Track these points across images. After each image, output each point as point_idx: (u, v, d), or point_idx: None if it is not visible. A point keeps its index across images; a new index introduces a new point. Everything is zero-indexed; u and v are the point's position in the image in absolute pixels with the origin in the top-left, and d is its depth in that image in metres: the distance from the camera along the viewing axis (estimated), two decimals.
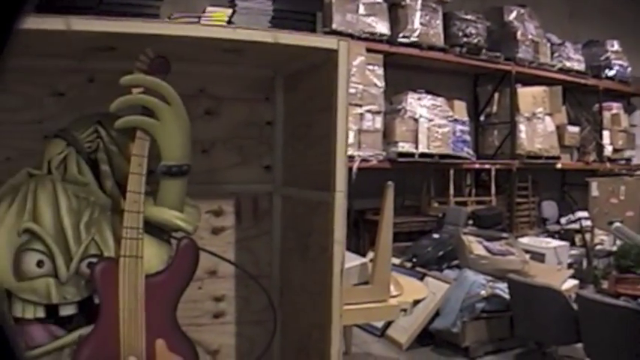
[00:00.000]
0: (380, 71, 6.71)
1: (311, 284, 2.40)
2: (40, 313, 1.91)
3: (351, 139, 5.79)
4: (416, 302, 3.55)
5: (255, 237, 2.82)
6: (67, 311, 1.94)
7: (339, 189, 2.14)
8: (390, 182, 3.21)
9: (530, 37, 8.45)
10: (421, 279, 4.94)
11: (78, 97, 2.56)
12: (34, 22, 1.88)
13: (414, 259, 5.48)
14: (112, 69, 2.36)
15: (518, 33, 8.27)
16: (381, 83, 6.67)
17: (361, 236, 6.62)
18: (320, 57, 2.23)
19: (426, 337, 4.68)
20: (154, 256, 1.97)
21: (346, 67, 2.15)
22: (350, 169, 5.38)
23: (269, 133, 2.80)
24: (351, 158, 5.68)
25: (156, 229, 2.00)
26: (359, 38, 6.47)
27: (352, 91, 5.70)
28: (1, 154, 2.50)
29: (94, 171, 2.11)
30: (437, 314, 4.75)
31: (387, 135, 6.85)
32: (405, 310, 3.40)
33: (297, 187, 2.58)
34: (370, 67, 6.59)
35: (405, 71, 7.43)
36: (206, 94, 2.71)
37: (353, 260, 3.39)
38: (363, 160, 6.19)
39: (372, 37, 6.72)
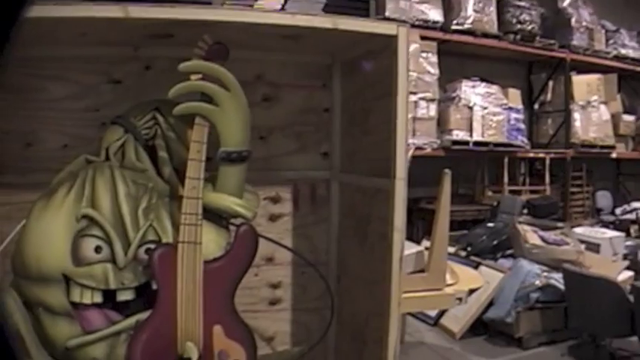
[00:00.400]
0: (434, 59, 6.66)
1: (369, 272, 2.39)
2: (98, 298, 1.93)
3: None
4: (471, 291, 3.51)
5: (313, 224, 2.83)
6: (124, 297, 1.95)
7: (399, 176, 2.12)
8: (447, 170, 3.16)
9: (584, 23, 8.28)
10: (475, 268, 4.89)
11: (134, 85, 2.60)
12: (92, 10, 1.93)
13: (469, 248, 5.44)
14: (168, 56, 2.44)
15: (573, 20, 8.12)
16: (434, 71, 6.63)
17: (415, 224, 6.57)
18: (378, 43, 2.21)
19: (479, 326, 4.63)
20: (212, 242, 1.98)
21: (406, 53, 2.13)
22: None
23: (327, 119, 2.81)
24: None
25: (214, 216, 2.01)
26: (412, 26, 6.39)
27: None
28: (58, 141, 2.57)
29: (151, 157, 2.13)
30: (491, 304, 4.69)
31: (442, 123, 6.81)
32: (460, 299, 3.36)
33: (356, 174, 2.58)
34: (424, 54, 6.55)
35: (458, 59, 7.36)
36: (264, 81, 2.72)
37: (409, 248, 3.34)
38: (418, 148, 6.15)
39: (426, 25, 6.66)
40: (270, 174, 2.73)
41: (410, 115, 5.85)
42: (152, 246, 1.93)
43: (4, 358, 1.37)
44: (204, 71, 1.94)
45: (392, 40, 2.13)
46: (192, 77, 1.95)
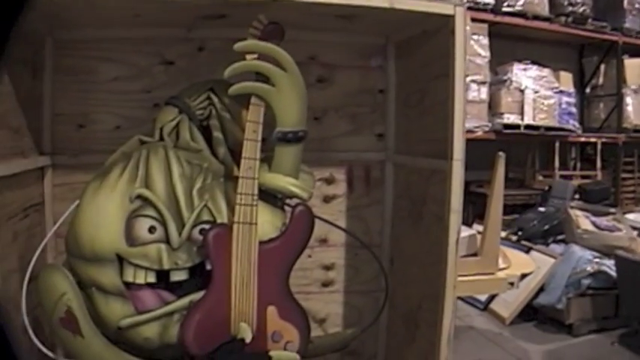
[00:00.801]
0: (485, 41, 6.61)
1: (424, 254, 2.38)
2: (151, 279, 1.95)
3: None
4: (523, 276, 3.50)
5: (367, 205, 2.83)
6: (178, 277, 1.97)
7: (456, 157, 2.11)
8: (500, 153, 3.17)
9: (637, 6, 8.13)
10: (527, 252, 4.86)
11: (187, 66, 2.62)
12: None
13: (520, 233, 5.41)
14: (221, 37, 2.47)
15: (625, 2, 7.96)
16: (485, 53, 6.58)
17: (465, 208, 6.54)
18: (434, 23, 2.19)
19: (529, 312, 4.60)
20: (267, 222, 1.98)
21: (463, 33, 2.11)
22: None
23: (381, 101, 2.79)
24: None
25: (270, 196, 2.00)
26: None
27: None
28: (111, 122, 2.61)
29: (206, 138, 2.14)
30: (541, 289, 4.66)
31: (493, 106, 6.79)
32: (512, 284, 3.35)
33: (411, 156, 2.56)
34: (475, 36, 6.50)
35: (509, 41, 7.30)
36: (318, 62, 2.72)
37: (462, 231, 3.38)
38: (469, 131, 6.10)
39: (477, 7, 6.61)
40: (324, 155, 2.74)
41: None
42: (207, 226, 1.93)
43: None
44: (260, 51, 1.93)
45: (449, 19, 2.11)
46: (248, 57, 1.94)
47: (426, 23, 2.25)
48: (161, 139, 2.12)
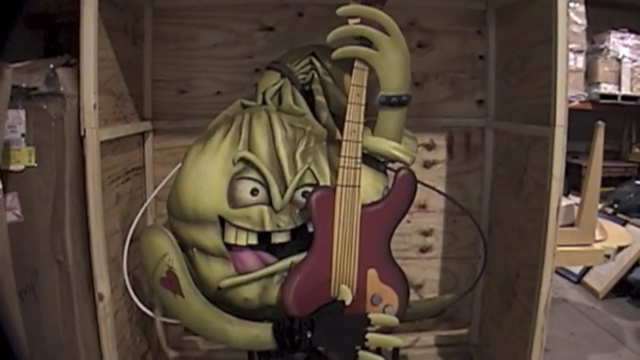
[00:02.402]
0: (581, 9, 6.45)
1: (523, 221, 2.37)
2: (253, 240, 1.99)
3: None
4: (620, 248, 3.44)
5: (467, 172, 2.85)
6: (279, 239, 2.01)
7: (559, 123, 2.10)
8: (600, 122, 3.08)
9: None
10: (622, 226, 4.76)
11: (287, 32, 2.67)
12: None
13: (616, 205, 5.30)
14: (320, 3, 2.55)
15: None
16: (582, 21, 6.43)
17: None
18: None
19: (623, 287, 4.50)
20: (370, 185, 1.99)
21: None
22: None
23: (481, 67, 2.79)
24: None
25: (373, 160, 2.02)
26: None
27: None
28: (212, 88, 2.70)
29: (308, 102, 2.16)
30: (636, 264, 4.55)
31: (589, 75, 6.65)
32: (608, 256, 3.30)
33: (511, 122, 2.55)
34: (571, 4, 6.35)
35: (606, 9, 7.11)
36: (418, 27, 2.73)
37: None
38: None
39: None
40: (424, 121, 2.76)
41: None
42: (309, 189, 1.96)
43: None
44: (364, 15, 1.92)
45: None
46: (351, 21, 1.94)
47: None
48: (264, 102, 2.16)
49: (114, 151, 2.23)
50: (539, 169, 2.19)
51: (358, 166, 1.92)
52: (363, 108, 1.93)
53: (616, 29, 6.89)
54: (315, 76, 2.17)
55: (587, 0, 6.49)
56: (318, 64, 2.17)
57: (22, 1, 1.51)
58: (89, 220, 2.01)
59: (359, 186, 1.93)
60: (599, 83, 6.63)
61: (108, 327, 2.11)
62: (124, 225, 2.33)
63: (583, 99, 6.52)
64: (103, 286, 2.07)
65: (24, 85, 1.94)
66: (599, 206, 4.97)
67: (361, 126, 1.93)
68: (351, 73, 1.95)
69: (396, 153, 2.01)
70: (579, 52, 6.46)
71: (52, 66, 2.02)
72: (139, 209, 2.45)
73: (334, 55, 1.95)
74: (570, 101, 6.16)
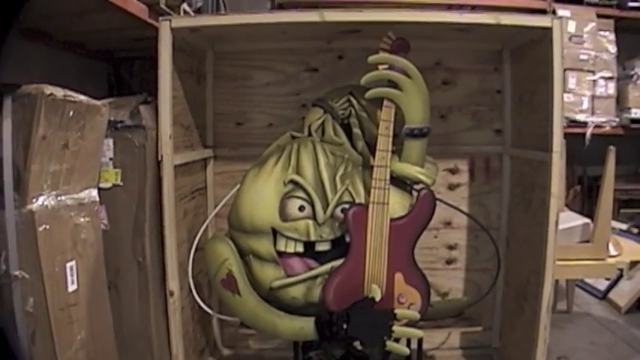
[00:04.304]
0: (611, 37, 6.52)
1: (532, 234, 2.60)
2: (300, 248, 2.34)
3: (585, 105, 5.84)
4: (633, 263, 3.63)
5: (487, 193, 3.07)
6: (322, 247, 2.35)
7: (555, 150, 2.35)
8: (611, 147, 3.30)
9: None
10: None
11: (329, 72, 2.99)
12: (295, 16, 2.39)
13: None
14: (357, 47, 2.85)
15: None
16: (613, 49, 6.52)
17: (594, 202, 6.53)
18: (538, 33, 2.46)
19: None
20: (397, 203, 2.30)
21: (560, 43, 2.35)
22: (583, 136, 5.55)
23: (499, 100, 3.02)
24: (584, 124, 5.71)
25: (399, 182, 2.33)
26: (588, 4, 6.37)
27: (584, 57, 5.78)
28: (265, 120, 3.02)
29: (346, 133, 2.49)
30: None
31: (620, 101, 6.66)
32: (622, 270, 3.51)
33: (523, 149, 2.78)
34: (601, 32, 6.47)
35: (637, 35, 7.14)
36: (442, 67, 3.00)
37: (576, 220, 3.55)
38: (597, 126, 6.13)
39: (602, 3, 6.57)
40: (449, 148, 3.00)
41: (589, 94, 5.93)
42: (347, 206, 2.28)
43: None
44: (390, 62, 2.27)
45: (547, 31, 2.37)
46: (380, 67, 2.28)
47: (532, 33, 2.51)
48: (309, 134, 2.50)
49: (183, 173, 2.58)
50: (543, 188, 2.45)
51: (387, 187, 2.25)
52: (390, 139, 2.26)
53: None
54: (352, 111, 2.50)
55: (618, 27, 6.61)
56: (354, 102, 2.49)
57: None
58: (164, 229, 2.37)
59: (388, 203, 2.26)
60: (629, 108, 6.66)
61: (176, 320, 2.44)
62: (190, 236, 2.67)
63: (614, 124, 6.53)
64: (173, 284, 2.41)
65: (112, 119, 2.33)
66: (626, 227, 5.15)
67: (389, 154, 2.26)
68: (381, 109, 2.29)
69: (419, 176, 2.33)
70: (610, 78, 6.49)
71: (134, 103, 2.41)
72: (202, 224, 2.78)
73: (367, 95, 2.31)
74: (602, 126, 6.31)
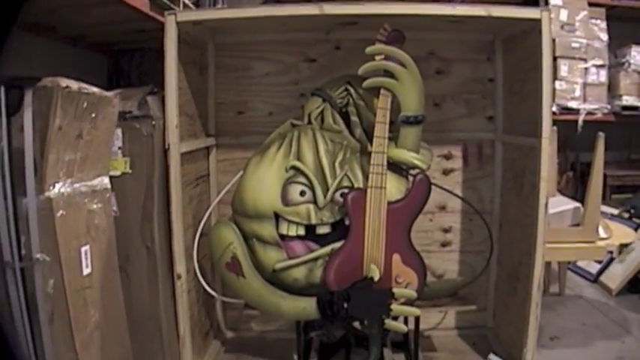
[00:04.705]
0: (603, 25, 6.55)
1: (523, 217, 2.71)
2: (301, 232, 2.46)
3: (577, 93, 5.89)
4: (623, 246, 3.72)
5: (480, 178, 3.17)
6: (322, 230, 2.46)
7: (544, 135, 2.46)
8: (600, 133, 3.40)
9: None
10: (636, 229, 4.95)
11: (327, 62, 3.08)
12: (295, 10, 2.48)
13: (632, 210, 5.46)
14: (354, 38, 2.94)
15: None
16: (604, 37, 6.55)
17: (582, 186, 6.58)
18: (528, 24, 2.56)
19: (637, 285, 4.53)
20: (394, 187, 2.41)
21: (549, 33, 2.46)
22: (575, 122, 5.61)
23: (491, 88, 3.12)
24: (576, 111, 5.77)
25: (396, 167, 2.42)
26: None
27: (576, 45, 5.81)
28: (265, 109, 3.12)
29: (345, 121, 2.59)
30: None
31: (612, 88, 6.68)
32: (611, 252, 3.61)
33: (515, 135, 2.88)
34: (593, 20, 6.49)
35: (628, 23, 7.17)
36: (436, 57, 3.10)
37: (568, 204, 3.65)
38: (589, 113, 6.17)
39: None
40: (443, 135, 3.10)
41: (581, 81, 5.97)
42: (346, 190, 2.39)
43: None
44: (386, 53, 2.36)
45: (537, 22, 2.47)
46: (377, 58, 2.37)
47: (522, 24, 2.61)
48: (309, 122, 2.59)
49: (188, 161, 2.68)
50: (533, 173, 2.56)
51: (384, 172, 2.35)
52: (387, 126, 2.36)
53: (637, 43, 6.98)
54: (350, 100, 2.60)
55: (609, 16, 6.64)
56: (352, 91, 2.59)
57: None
58: (172, 215, 2.49)
59: (385, 187, 2.36)
60: (621, 96, 6.71)
61: (184, 302, 2.56)
62: (195, 222, 2.77)
63: (606, 111, 6.55)
64: (180, 267, 2.53)
65: (121, 109, 2.40)
66: (617, 212, 5.24)
67: (386, 140, 2.36)
68: (378, 98, 2.39)
69: (415, 161, 2.42)
70: (602, 66, 6.52)
71: (142, 94, 2.49)
72: (205, 210, 2.90)
73: (365, 84, 2.40)
74: (593, 113, 6.38)
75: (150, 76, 3.98)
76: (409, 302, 2.47)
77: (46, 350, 1.91)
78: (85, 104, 2.02)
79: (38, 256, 1.85)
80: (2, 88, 1.81)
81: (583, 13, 6.22)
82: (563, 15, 5.78)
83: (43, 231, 1.88)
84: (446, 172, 3.17)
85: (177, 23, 2.44)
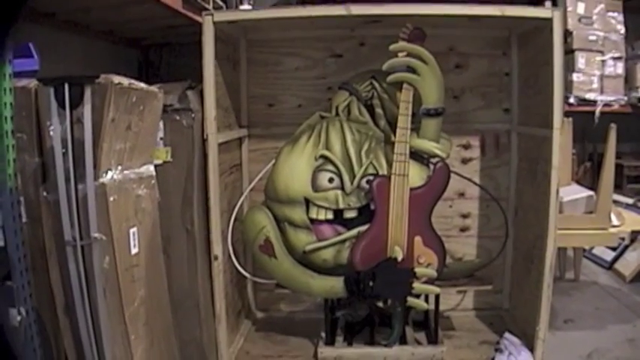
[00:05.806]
0: (620, 17, 6.52)
1: (537, 203, 2.82)
2: (330, 216, 2.62)
3: (594, 85, 5.95)
4: (634, 232, 3.80)
5: (496, 166, 3.28)
6: (349, 214, 2.63)
7: (556, 127, 2.58)
8: (612, 125, 3.51)
9: None
10: None
11: (352, 58, 3.22)
12: (324, 10, 2.63)
13: None
14: (378, 35, 3.07)
15: None
16: (621, 29, 6.53)
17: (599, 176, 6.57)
18: (541, 22, 2.67)
19: None
20: (416, 174, 2.56)
21: (560, 31, 2.57)
22: (593, 114, 5.67)
23: (507, 82, 3.23)
24: (594, 103, 5.83)
25: (418, 156, 2.57)
26: None
27: (593, 38, 5.86)
28: (294, 102, 3.28)
29: (370, 113, 2.74)
30: None
31: (629, 80, 6.65)
32: (623, 239, 3.75)
33: (529, 126, 2.99)
34: (610, 13, 6.49)
35: None
36: (455, 52, 3.22)
37: (581, 192, 3.75)
38: (606, 104, 6.19)
39: None
40: (462, 126, 3.26)
41: (598, 74, 6.00)
42: (371, 177, 2.54)
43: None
44: (408, 50, 2.51)
45: (548, 21, 2.59)
46: (399, 54, 2.53)
47: (535, 21, 2.71)
48: (337, 114, 2.74)
49: (223, 151, 2.81)
50: (546, 161, 2.67)
51: (407, 160, 2.51)
52: (409, 118, 2.51)
53: None
54: (375, 93, 2.74)
55: (626, 7, 6.65)
56: (377, 85, 2.73)
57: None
58: (209, 200, 2.63)
59: (408, 175, 2.51)
60: (637, 87, 6.71)
61: (220, 281, 2.70)
62: (229, 207, 2.92)
63: (623, 103, 6.55)
64: (217, 249, 2.67)
65: (162, 103, 2.58)
66: (632, 201, 5.31)
67: (408, 131, 2.51)
68: (401, 92, 2.53)
69: (436, 150, 2.57)
70: (619, 58, 6.52)
71: (181, 89, 2.66)
72: (239, 196, 3.05)
73: (388, 79, 2.55)
74: (610, 105, 6.42)
75: (178, 69, 4.20)
76: (430, 281, 2.62)
77: (101, 322, 2.10)
78: (134, 98, 2.18)
79: (96, 235, 2.03)
80: (66, 86, 1.99)
81: (600, 6, 6.24)
82: (581, 8, 5.81)
83: (98, 214, 2.05)
84: (464, 161, 3.28)
85: (214, 23, 2.57)
